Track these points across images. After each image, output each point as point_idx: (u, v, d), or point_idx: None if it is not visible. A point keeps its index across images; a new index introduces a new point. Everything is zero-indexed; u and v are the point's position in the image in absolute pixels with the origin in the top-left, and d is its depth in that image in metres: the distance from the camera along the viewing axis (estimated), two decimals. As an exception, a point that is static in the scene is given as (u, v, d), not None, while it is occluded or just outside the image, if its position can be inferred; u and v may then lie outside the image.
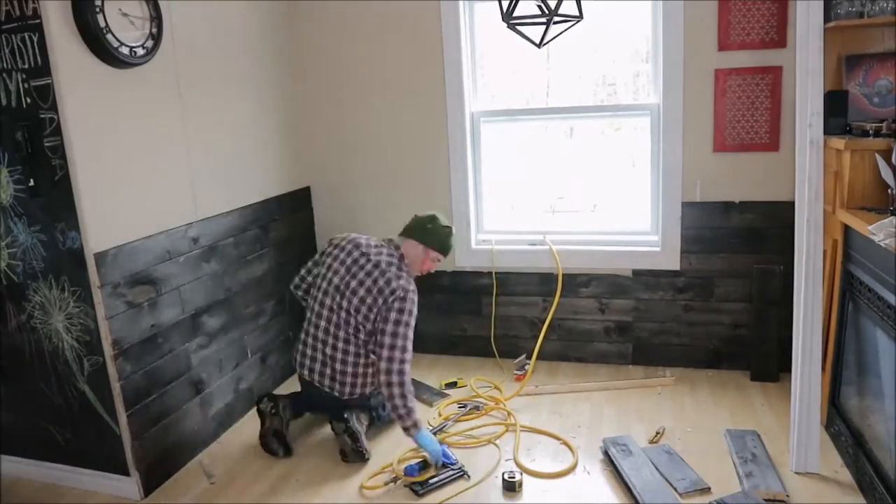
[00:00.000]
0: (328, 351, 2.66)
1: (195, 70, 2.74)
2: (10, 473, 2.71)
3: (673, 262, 3.21)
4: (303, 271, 2.96)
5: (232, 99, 3.00)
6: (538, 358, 3.36)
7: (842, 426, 2.46)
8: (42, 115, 2.20)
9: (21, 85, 2.21)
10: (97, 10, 2.21)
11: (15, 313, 2.48)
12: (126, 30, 2.34)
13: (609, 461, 2.52)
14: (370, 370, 2.67)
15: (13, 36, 2.17)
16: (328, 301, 2.67)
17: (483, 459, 2.61)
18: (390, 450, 2.70)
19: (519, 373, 3.28)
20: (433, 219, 2.78)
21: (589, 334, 3.42)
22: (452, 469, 2.51)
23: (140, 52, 2.40)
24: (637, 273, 3.28)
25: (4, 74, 2.22)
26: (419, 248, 2.74)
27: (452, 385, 3.26)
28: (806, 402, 2.35)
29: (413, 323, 2.57)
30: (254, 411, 3.09)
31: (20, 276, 2.42)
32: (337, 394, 2.67)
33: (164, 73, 2.57)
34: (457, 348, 3.63)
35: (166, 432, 2.61)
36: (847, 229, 2.40)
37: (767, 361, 3.11)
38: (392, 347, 2.51)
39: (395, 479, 2.50)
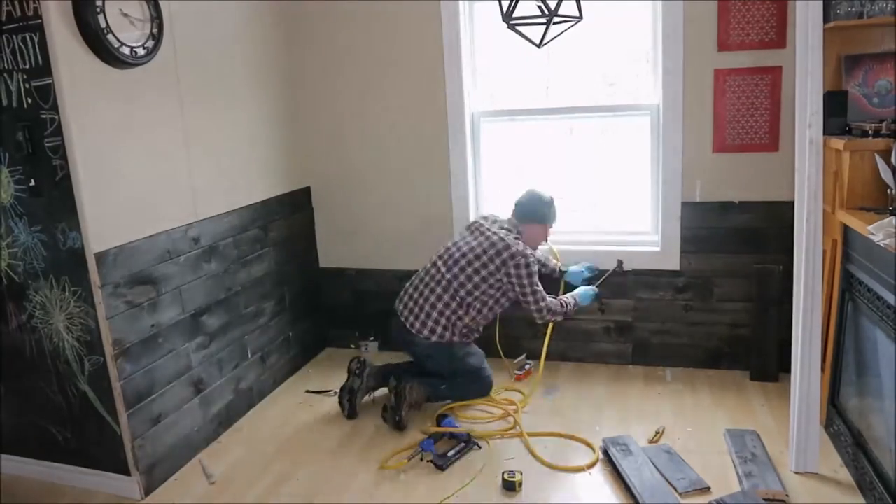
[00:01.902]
0: (425, 295, 2.98)
1: (196, 70, 2.74)
2: (10, 473, 2.71)
3: (673, 262, 3.22)
4: None
5: (232, 98, 3.00)
6: (537, 357, 3.36)
7: (841, 426, 2.47)
8: (43, 115, 2.21)
9: (22, 85, 2.21)
10: (98, 10, 2.21)
11: (16, 313, 2.48)
12: (126, 30, 2.34)
13: (609, 461, 2.52)
14: (452, 319, 2.95)
15: (14, 36, 2.17)
16: (438, 261, 3.02)
17: (481, 459, 2.62)
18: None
19: (519, 373, 3.28)
20: (537, 198, 3.07)
21: (589, 334, 3.42)
22: (462, 440, 2.67)
23: (141, 52, 2.40)
24: (637, 273, 3.28)
25: (5, 74, 2.22)
26: (536, 227, 3.07)
27: None
28: (805, 401, 2.35)
29: (535, 272, 2.92)
30: (254, 411, 3.13)
31: (21, 275, 2.42)
32: (415, 332, 2.95)
33: (164, 73, 2.57)
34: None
35: (167, 432, 2.61)
36: (846, 229, 2.40)
37: (767, 361, 3.11)
38: (536, 301, 2.92)
39: (414, 457, 2.63)
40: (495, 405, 3.01)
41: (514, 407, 2.97)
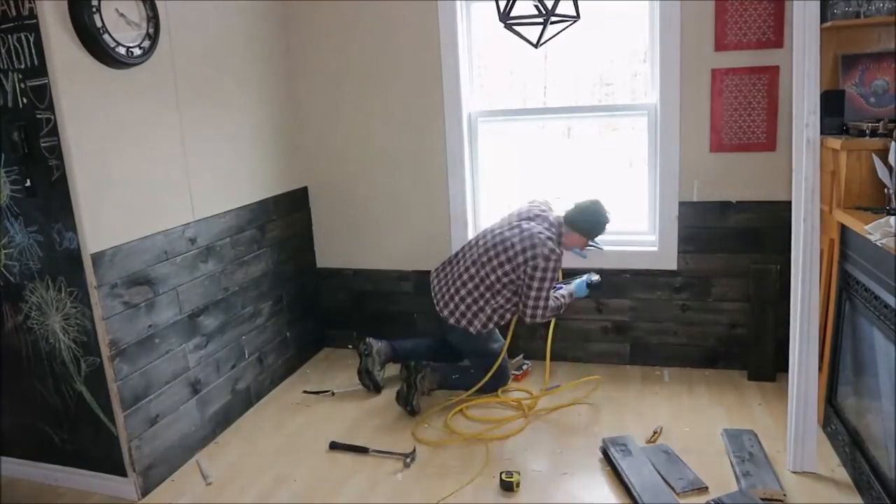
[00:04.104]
0: (453, 279, 3.05)
1: (192, 70, 2.74)
2: (7, 474, 2.70)
3: (670, 262, 3.22)
4: None
5: (229, 98, 3.00)
6: (535, 357, 3.37)
7: (839, 425, 2.47)
8: (39, 116, 2.20)
9: (18, 85, 2.20)
10: (94, 10, 2.20)
11: (12, 314, 2.47)
12: (123, 30, 2.34)
13: (608, 461, 2.52)
14: (477, 307, 2.98)
15: (10, 36, 2.17)
16: (474, 244, 3.05)
17: (479, 459, 2.62)
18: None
19: (517, 373, 3.28)
20: (595, 213, 3.01)
21: (586, 334, 3.42)
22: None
23: (137, 52, 2.39)
24: (634, 273, 3.28)
25: (1, 75, 2.21)
26: (578, 238, 3.02)
27: None
28: (803, 401, 2.35)
29: (551, 277, 2.90)
30: (251, 412, 3.13)
31: (17, 276, 2.41)
32: (453, 321, 3.00)
33: (160, 73, 2.57)
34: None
35: (164, 433, 2.60)
36: (844, 229, 2.40)
37: (764, 361, 3.11)
38: (536, 300, 2.89)
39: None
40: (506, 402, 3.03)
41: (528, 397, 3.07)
